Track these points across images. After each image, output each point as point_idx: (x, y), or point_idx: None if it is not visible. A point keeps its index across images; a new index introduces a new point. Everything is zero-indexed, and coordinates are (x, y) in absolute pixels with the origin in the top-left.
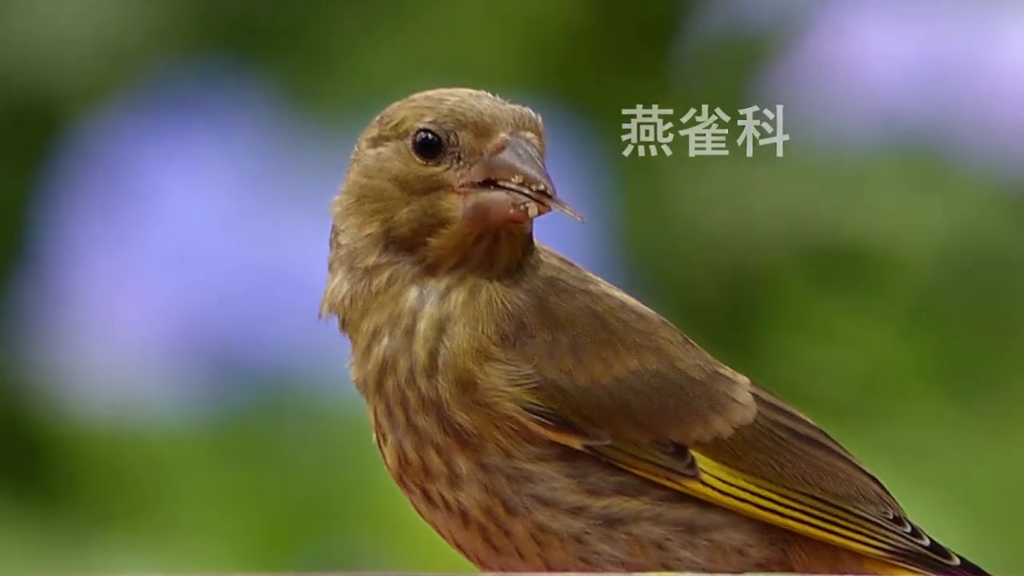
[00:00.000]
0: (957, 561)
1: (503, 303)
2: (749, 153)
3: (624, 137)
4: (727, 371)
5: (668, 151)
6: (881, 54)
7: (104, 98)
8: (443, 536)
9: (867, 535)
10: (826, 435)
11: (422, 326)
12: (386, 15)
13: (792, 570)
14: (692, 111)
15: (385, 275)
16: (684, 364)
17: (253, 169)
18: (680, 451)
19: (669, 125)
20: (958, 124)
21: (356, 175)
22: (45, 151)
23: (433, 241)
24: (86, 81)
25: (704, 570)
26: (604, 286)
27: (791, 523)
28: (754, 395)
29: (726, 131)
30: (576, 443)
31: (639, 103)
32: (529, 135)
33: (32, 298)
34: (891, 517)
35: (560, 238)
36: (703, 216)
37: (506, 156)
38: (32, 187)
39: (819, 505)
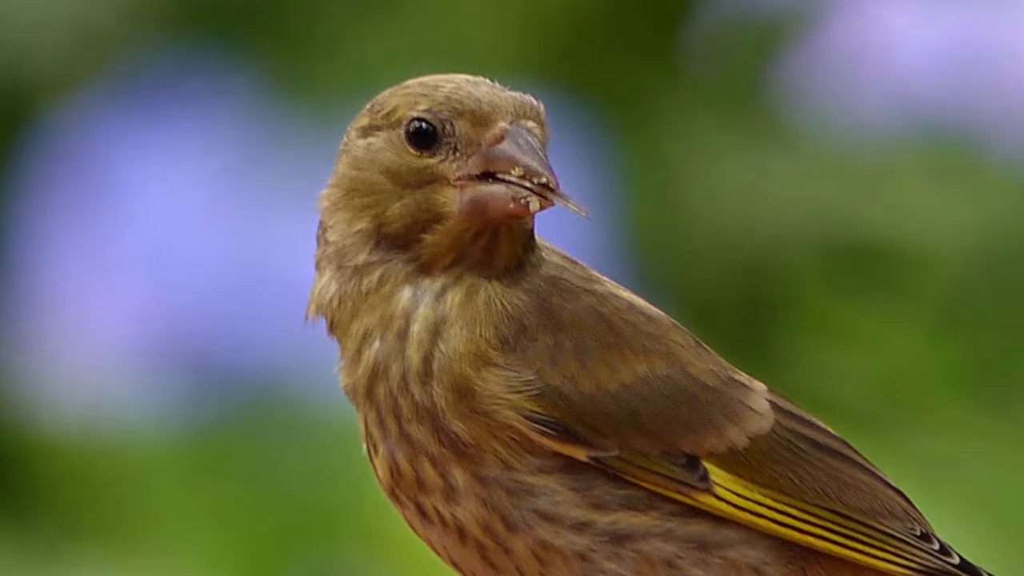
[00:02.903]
0: None
1: (502, 304)
2: (765, 144)
3: (632, 126)
4: (742, 377)
5: (679, 140)
6: (906, 39)
7: (78, 85)
8: (438, 553)
9: (892, 552)
10: (848, 445)
11: (416, 328)
12: None
13: None
14: (705, 98)
15: (376, 274)
16: (696, 369)
17: (235, 161)
18: (692, 463)
19: (680, 113)
20: (987, 114)
21: (345, 167)
22: (14, 142)
23: (428, 238)
24: (59, 67)
25: None
26: (611, 286)
27: (811, 540)
28: (771, 403)
29: (741, 120)
30: (581, 454)
31: (648, 90)
32: (530, 124)
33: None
34: (918, 533)
35: (564, 234)
36: (717, 211)
37: (506, 147)
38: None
39: (841, 520)
